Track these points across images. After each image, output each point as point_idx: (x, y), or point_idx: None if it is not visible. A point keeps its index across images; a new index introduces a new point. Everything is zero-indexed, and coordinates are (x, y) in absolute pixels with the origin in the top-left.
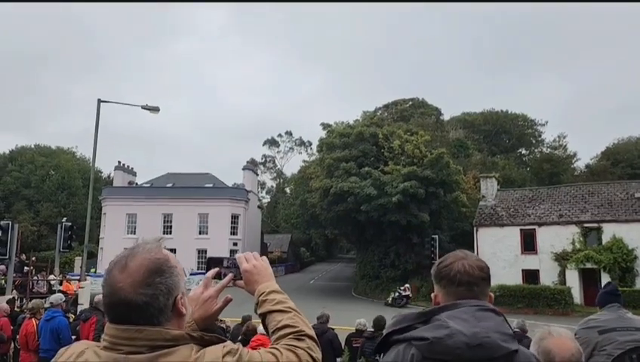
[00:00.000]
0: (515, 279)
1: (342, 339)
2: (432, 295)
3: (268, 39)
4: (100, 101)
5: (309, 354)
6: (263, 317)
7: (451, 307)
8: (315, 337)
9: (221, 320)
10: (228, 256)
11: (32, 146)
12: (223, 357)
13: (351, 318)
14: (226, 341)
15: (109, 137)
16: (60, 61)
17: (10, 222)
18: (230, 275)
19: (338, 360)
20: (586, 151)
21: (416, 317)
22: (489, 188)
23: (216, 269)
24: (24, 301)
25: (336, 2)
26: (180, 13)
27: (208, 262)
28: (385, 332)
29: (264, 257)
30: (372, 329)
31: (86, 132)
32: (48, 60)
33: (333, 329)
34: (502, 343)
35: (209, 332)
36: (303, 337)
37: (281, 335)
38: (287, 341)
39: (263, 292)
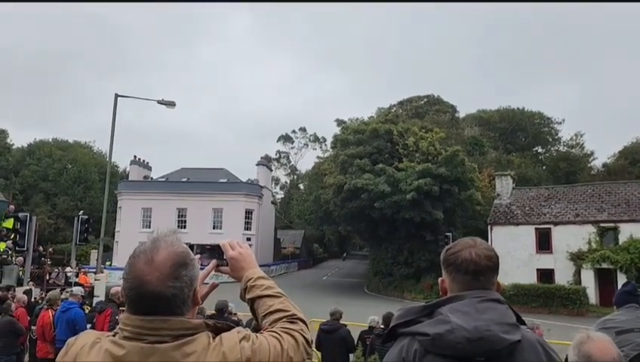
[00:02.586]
0: (529, 278)
1: (355, 336)
2: (440, 279)
3: (286, 39)
4: (117, 96)
5: (302, 335)
6: (252, 302)
7: (454, 299)
8: (305, 319)
9: (234, 314)
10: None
11: (50, 140)
12: (240, 341)
13: (364, 315)
14: (236, 326)
15: (126, 133)
16: (85, 59)
17: (29, 215)
18: (214, 261)
19: (351, 356)
20: (603, 150)
21: (421, 310)
22: (504, 186)
23: (198, 256)
24: (41, 292)
25: (354, 2)
26: (205, 14)
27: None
28: (391, 325)
29: (247, 244)
30: (382, 326)
31: (104, 127)
32: (73, 58)
33: (345, 325)
34: (503, 335)
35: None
36: (295, 320)
37: (275, 319)
38: (282, 324)
39: (250, 278)
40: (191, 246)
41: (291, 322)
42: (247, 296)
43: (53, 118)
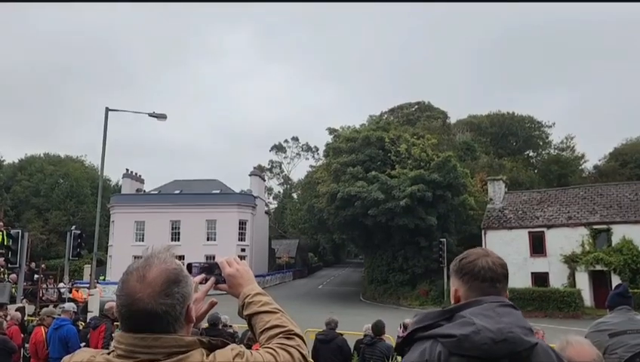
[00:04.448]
0: (524, 282)
1: (351, 344)
2: (453, 289)
3: (281, 53)
4: (107, 110)
5: (299, 351)
6: (250, 318)
7: (473, 304)
8: (302, 335)
9: (229, 326)
10: (204, 260)
11: (42, 155)
12: (234, 358)
13: (360, 323)
14: (230, 343)
15: (118, 146)
16: (82, 75)
17: (21, 231)
18: (212, 279)
19: None
20: (594, 153)
21: (440, 314)
22: (497, 190)
23: (203, 275)
24: (35, 309)
25: (347, 2)
26: (203, 30)
27: (188, 268)
28: (409, 329)
29: (245, 261)
30: (371, 335)
31: (96, 142)
32: (69, 73)
33: (341, 334)
34: (524, 337)
35: (216, 336)
36: (292, 336)
37: (271, 335)
38: (278, 340)
39: (248, 295)
40: (189, 266)
41: (287, 338)
42: (245, 313)
43: (44, 132)
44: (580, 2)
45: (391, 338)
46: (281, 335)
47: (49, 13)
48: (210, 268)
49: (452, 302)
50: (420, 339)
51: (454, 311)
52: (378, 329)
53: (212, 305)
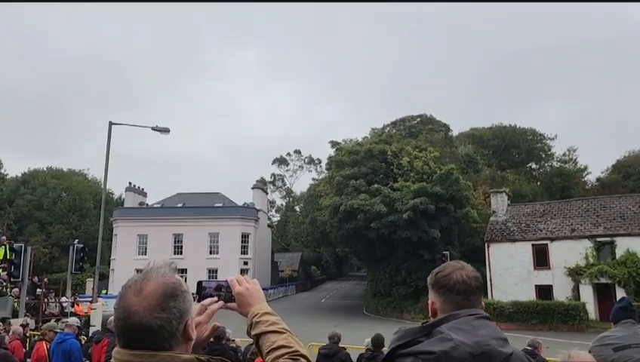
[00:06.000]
0: (527, 295)
1: (354, 358)
2: (429, 302)
3: (287, 69)
4: (111, 123)
5: None
6: (257, 338)
7: (450, 318)
8: (309, 356)
9: (232, 340)
10: (207, 273)
11: (44, 169)
12: None
13: (363, 337)
14: (230, 361)
15: (121, 160)
16: (86, 91)
17: (23, 245)
18: (221, 303)
19: None
20: (596, 165)
21: (419, 330)
22: (499, 203)
23: (215, 298)
24: (37, 324)
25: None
26: (209, 47)
27: (198, 286)
28: (391, 347)
29: (255, 279)
30: (371, 349)
31: (98, 156)
32: (75, 92)
33: (345, 348)
34: (500, 348)
35: (219, 351)
36: (297, 357)
37: (277, 355)
38: (283, 361)
39: (256, 314)
40: (200, 284)
41: (293, 359)
42: (253, 332)
43: (47, 146)
44: (578, 3)
45: None
46: (286, 356)
47: (54, 31)
48: (219, 286)
49: (430, 314)
50: (400, 356)
51: (433, 327)
52: (378, 342)
53: (214, 329)
